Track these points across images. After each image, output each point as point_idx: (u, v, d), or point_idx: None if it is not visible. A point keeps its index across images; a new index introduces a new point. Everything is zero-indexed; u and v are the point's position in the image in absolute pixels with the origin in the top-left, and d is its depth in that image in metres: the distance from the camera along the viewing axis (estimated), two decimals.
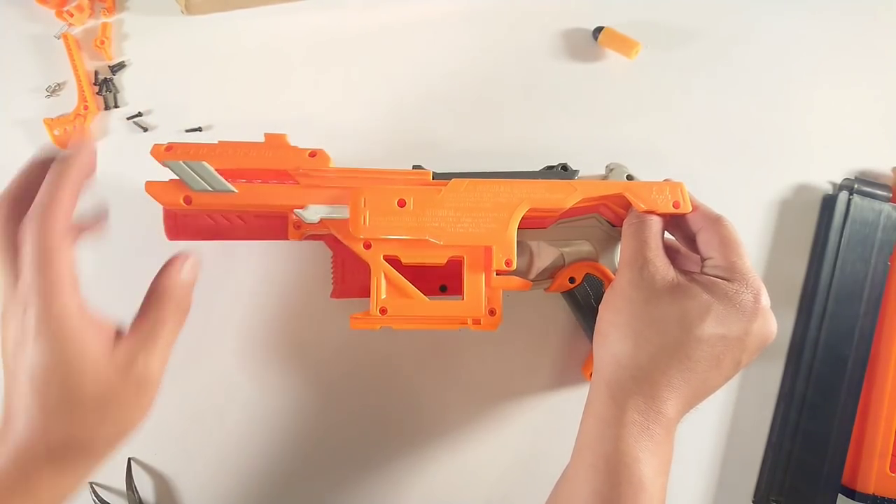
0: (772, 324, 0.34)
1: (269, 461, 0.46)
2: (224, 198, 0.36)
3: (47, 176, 0.32)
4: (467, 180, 0.37)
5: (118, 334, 0.32)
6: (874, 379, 0.47)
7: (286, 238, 0.39)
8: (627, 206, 0.38)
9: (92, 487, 0.44)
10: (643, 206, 0.37)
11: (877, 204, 0.46)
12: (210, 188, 0.36)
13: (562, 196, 0.37)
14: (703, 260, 0.36)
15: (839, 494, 0.46)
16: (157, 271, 0.35)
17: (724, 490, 0.48)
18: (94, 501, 0.44)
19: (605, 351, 0.36)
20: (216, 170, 0.36)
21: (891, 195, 0.47)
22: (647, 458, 0.32)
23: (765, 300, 0.34)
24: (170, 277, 0.34)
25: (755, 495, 0.47)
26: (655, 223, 0.37)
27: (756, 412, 0.48)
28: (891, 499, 0.45)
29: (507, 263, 0.37)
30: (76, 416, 0.30)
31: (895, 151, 0.49)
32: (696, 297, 0.33)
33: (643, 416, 0.33)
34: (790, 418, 0.46)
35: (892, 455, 0.46)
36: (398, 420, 0.46)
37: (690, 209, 0.37)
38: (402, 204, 0.36)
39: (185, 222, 0.40)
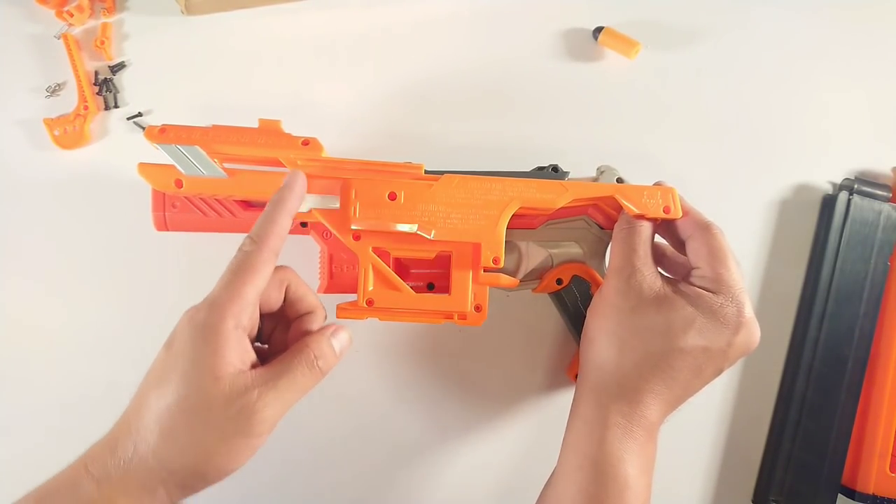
0: (754, 334, 0.35)
1: (266, 458, 0.46)
2: (215, 183, 0.36)
3: (267, 206, 0.34)
4: (459, 176, 0.37)
5: (253, 365, 0.32)
6: (874, 379, 0.47)
7: None
8: (618, 208, 0.38)
9: None
10: (634, 210, 0.37)
11: (877, 204, 0.46)
12: (202, 172, 0.36)
13: (553, 196, 0.37)
14: (691, 268, 0.37)
15: (839, 494, 0.46)
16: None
17: (724, 490, 0.48)
18: None
19: (590, 356, 0.37)
20: (209, 154, 0.36)
21: (891, 195, 0.47)
22: (630, 458, 0.34)
23: (748, 312, 0.34)
24: (320, 342, 0.33)
25: (755, 495, 0.47)
26: (645, 229, 0.37)
27: (756, 412, 0.48)
28: (891, 499, 0.45)
29: (495, 261, 0.37)
30: (202, 427, 0.29)
31: (895, 151, 0.49)
32: (681, 310, 0.34)
33: (626, 419, 0.34)
34: (790, 418, 0.46)
35: (892, 455, 0.46)
36: (392, 421, 0.46)
37: (681, 215, 0.37)
38: (392, 197, 0.36)
39: (175, 214, 0.40)
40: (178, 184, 0.36)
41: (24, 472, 0.44)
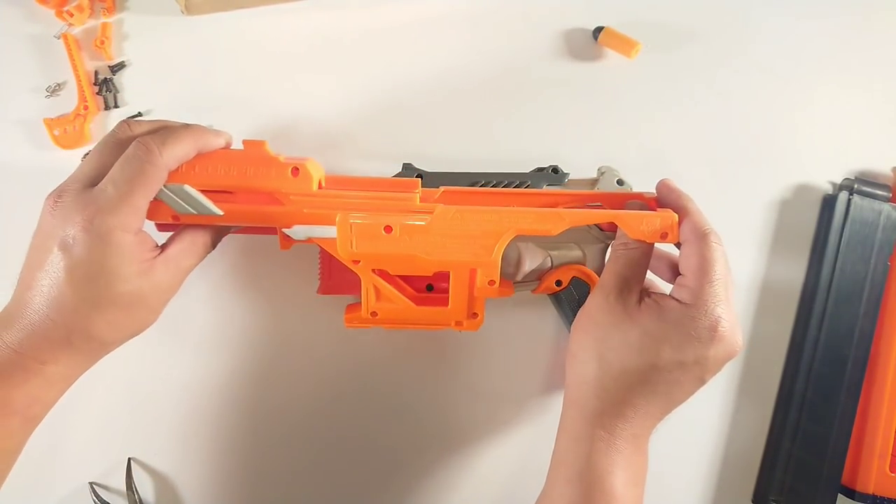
0: (732, 346, 0.34)
1: (268, 461, 0.46)
2: (211, 219, 0.37)
3: (187, 128, 0.36)
4: (454, 208, 0.37)
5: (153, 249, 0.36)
6: (874, 379, 0.47)
7: (275, 234, 0.39)
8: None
9: (92, 487, 0.45)
10: (632, 236, 0.37)
11: (877, 204, 0.46)
12: (193, 212, 0.37)
13: (550, 226, 0.38)
14: (678, 272, 0.37)
15: (839, 494, 0.46)
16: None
17: (724, 490, 0.48)
18: (94, 501, 0.44)
19: (573, 370, 0.37)
20: (200, 190, 0.36)
21: (891, 195, 0.47)
22: (617, 471, 0.34)
23: (723, 327, 0.34)
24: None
25: (755, 495, 0.47)
26: (636, 253, 0.37)
27: (756, 412, 0.48)
28: (890, 499, 0.45)
29: (490, 283, 0.38)
30: (106, 314, 0.33)
31: (895, 151, 0.49)
32: (656, 326, 0.35)
33: (609, 433, 0.35)
34: (790, 418, 0.46)
35: (892, 455, 0.46)
36: (395, 418, 0.46)
37: (677, 241, 0.37)
38: (388, 230, 0.37)
39: None
40: (176, 218, 0.37)
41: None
